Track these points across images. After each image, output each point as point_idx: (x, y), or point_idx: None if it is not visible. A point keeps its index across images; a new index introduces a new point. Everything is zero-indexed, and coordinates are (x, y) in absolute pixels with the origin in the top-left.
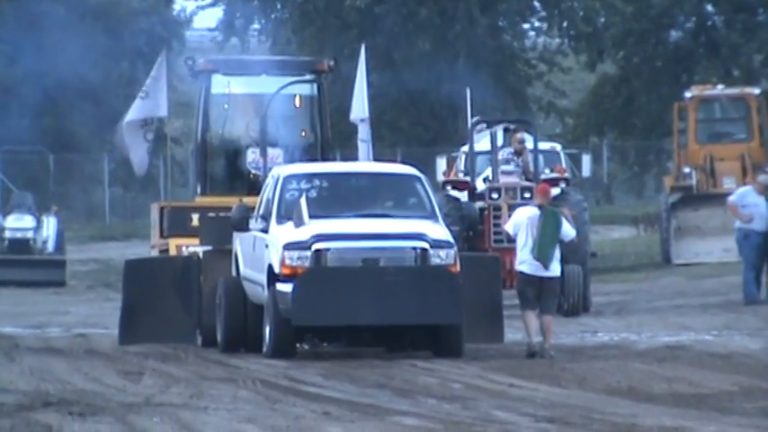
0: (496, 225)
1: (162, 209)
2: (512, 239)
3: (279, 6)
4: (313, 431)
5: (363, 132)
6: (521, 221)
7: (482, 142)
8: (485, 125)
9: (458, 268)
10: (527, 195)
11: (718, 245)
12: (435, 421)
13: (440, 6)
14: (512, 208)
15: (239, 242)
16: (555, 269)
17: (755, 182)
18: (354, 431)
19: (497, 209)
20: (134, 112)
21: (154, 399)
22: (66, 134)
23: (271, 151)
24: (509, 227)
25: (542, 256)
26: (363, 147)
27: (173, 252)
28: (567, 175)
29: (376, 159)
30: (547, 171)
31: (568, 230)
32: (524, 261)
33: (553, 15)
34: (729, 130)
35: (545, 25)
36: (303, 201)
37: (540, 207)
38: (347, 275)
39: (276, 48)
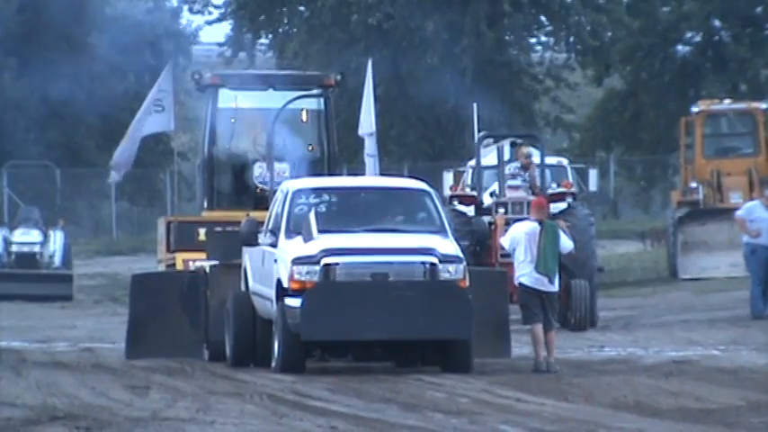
0: None
1: (169, 223)
2: (506, 254)
3: (286, 21)
4: None
5: (370, 147)
6: (519, 236)
7: (489, 157)
8: (491, 140)
9: (467, 283)
10: None
11: (725, 260)
12: None
13: (447, 21)
14: (509, 223)
15: (248, 257)
16: (555, 284)
17: (762, 196)
18: None
19: (504, 223)
20: (151, 126)
21: (160, 413)
22: (72, 148)
23: (277, 166)
24: (505, 242)
25: (547, 270)
26: (370, 161)
27: (179, 266)
28: (573, 189)
29: (382, 174)
30: (554, 185)
31: (566, 243)
32: (525, 274)
33: (560, 30)
34: (736, 145)
35: (552, 40)
36: (312, 215)
37: (540, 222)
38: (356, 290)
39: (283, 62)
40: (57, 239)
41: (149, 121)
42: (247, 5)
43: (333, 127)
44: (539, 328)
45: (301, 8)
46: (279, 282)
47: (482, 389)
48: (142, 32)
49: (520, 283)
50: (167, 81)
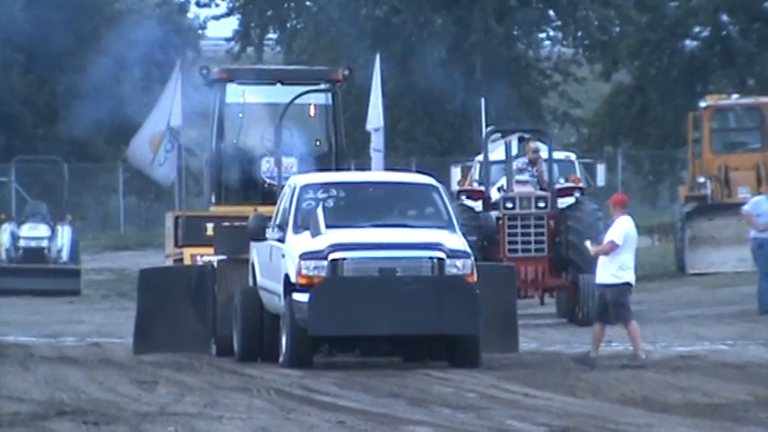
0: (511, 234)
1: (177, 218)
2: (515, 249)
3: (294, 16)
4: None
5: (377, 142)
6: (632, 231)
7: (497, 152)
8: (499, 134)
9: (475, 278)
10: (541, 205)
11: (732, 254)
12: (450, 431)
13: (455, 15)
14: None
15: (256, 252)
16: None
17: None
18: None
19: (512, 218)
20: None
21: (168, 408)
22: (80, 143)
23: (285, 161)
24: (619, 238)
25: None
26: (377, 156)
27: (187, 261)
28: (581, 184)
29: (389, 169)
30: (561, 180)
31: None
32: (631, 269)
33: (568, 24)
34: (744, 140)
35: (560, 34)
36: (320, 210)
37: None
38: (364, 285)
39: (291, 57)
40: (64, 234)
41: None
42: (255, 0)
43: (341, 122)
44: (635, 323)
45: (309, 3)
46: (286, 277)
47: (490, 383)
48: (150, 27)
49: (629, 282)
50: (173, 77)
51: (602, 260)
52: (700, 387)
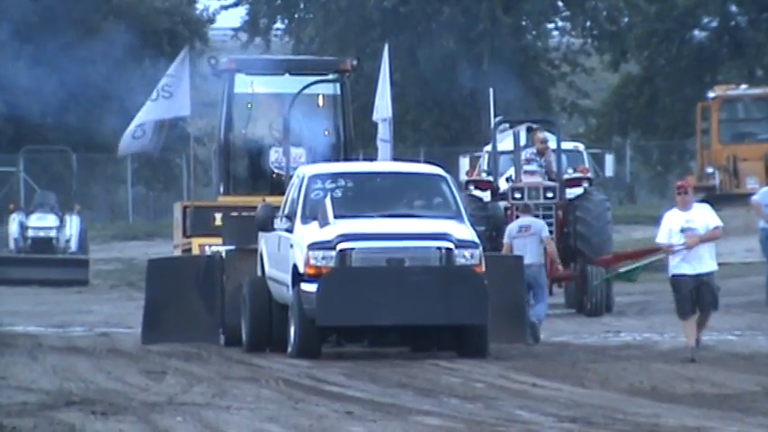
0: None
1: (185, 208)
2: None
3: (302, 6)
4: (335, 430)
5: (384, 132)
6: None
7: (505, 142)
8: (508, 125)
9: (483, 268)
10: (550, 195)
11: (741, 245)
12: (458, 421)
13: (463, 6)
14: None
15: (264, 242)
16: None
17: None
18: (377, 431)
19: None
20: (160, 112)
21: (176, 398)
22: (89, 133)
23: (293, 151)
24: (721, 222)
25: None
26: (384, 146)
27: (195, 251)
28: (589, 174)
29: (397, 159)
30: (570, 171)
31: None
32: None
33: (576, 15)
34: (753, 130)
35: (568, 25)
36: (328, 200)
37: None
38: (372, 275)
39: (299, 47)
40: (73, 224)
41: (158, 107)
42: None
43: (349, 112)
44: None
45: None
46: (295, 267)
47: (498, 374)
48: (158, 17)
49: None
50: (181, 67)
51: (699, 249)
52: (708, 377)
